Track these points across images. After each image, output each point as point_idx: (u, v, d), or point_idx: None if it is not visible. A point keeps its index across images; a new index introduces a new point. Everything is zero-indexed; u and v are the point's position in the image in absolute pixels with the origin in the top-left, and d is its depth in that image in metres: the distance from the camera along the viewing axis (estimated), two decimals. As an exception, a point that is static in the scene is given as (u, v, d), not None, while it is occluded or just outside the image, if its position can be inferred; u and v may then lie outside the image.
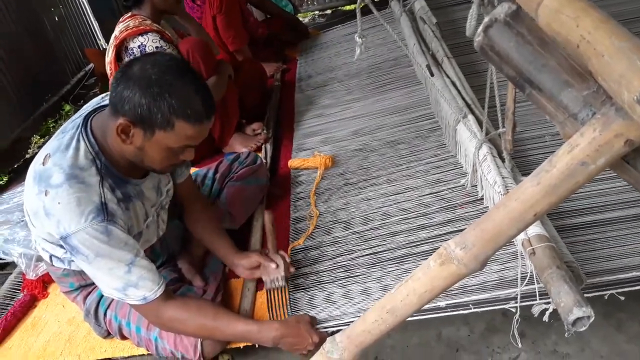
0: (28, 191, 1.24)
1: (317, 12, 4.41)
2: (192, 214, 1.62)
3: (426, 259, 1.42)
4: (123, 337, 1.52)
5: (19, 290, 1.95)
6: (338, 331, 1.34)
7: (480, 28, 0.63)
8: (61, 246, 1.28)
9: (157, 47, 2.00)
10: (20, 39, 3.64)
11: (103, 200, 1.20)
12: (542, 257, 1.13)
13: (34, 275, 1.91)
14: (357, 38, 1.38)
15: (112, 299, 1.47)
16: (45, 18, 4.02)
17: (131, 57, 2.00)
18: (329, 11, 4.37)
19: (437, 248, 1.44)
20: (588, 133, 0.63)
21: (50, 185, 1.17)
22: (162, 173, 1.38)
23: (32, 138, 3.70)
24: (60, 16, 4.21)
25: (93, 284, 1.48)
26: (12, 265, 2.15)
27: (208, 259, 1.68)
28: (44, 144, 3.59)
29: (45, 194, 1.18)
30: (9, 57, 3.50)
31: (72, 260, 1.36)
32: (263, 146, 2.33)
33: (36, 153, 3.53)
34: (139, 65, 1.15)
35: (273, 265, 1.50)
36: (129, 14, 2.14)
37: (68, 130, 1.25)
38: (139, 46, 2.00)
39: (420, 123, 2.14)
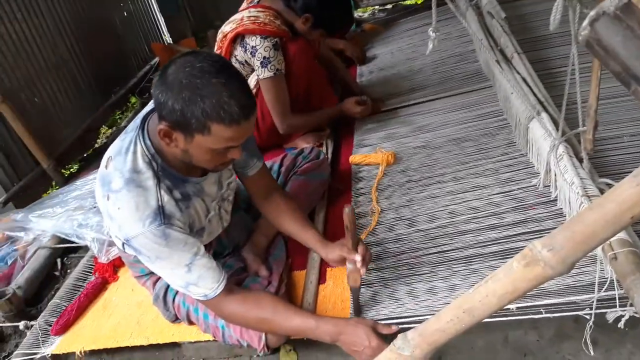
0: (97, 192, 1.29)
1: (377, 6, 4.37)
2: (273, 206, 1.56)
3: (495, 260, 1.44)
4: (190, 323, 1.56)
5: (91, 272, 2.05)
6: (401, 329, 1.34)
7: (586, 21, 0.60)
8: None
9: (264, 57, 2.03)
10: (93, 34, 3.82)
11: (160, 203, 1.22)
12: (624, 262, 1.07)
13: (106, 259, 2.00)
14: (431, 32, 1.35)
15: (181, 285, 1.52)
16: (115, 14, 4.20)
17: (242, 51, 2.08)
18: (389, 5, 4.32)
19: (508, 249, 1.45)
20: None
21: (111, 190, 1.22)
22: (216, 171, 1.36)
23: (100, 128, 3.89)
24: (129, 12, 4.39)
25: (163, 270, 1.55)
26: (85, 248, 2.26)
27: (272, 248, 1.71)
28: (111, 134, 3.81)
29: (107, 199, 1.22)
30: (82, 51, 3.68)
31: None
32: (324, 141, 2.33)
33: (104, 143, 3.74)
34: (173, 68, 1.12)
35: (350, 266, 1.39)
36: None
37: (129, 131, 1.28)
38: (252, 46, 2.04)
39: (487, 120, 2.08)
